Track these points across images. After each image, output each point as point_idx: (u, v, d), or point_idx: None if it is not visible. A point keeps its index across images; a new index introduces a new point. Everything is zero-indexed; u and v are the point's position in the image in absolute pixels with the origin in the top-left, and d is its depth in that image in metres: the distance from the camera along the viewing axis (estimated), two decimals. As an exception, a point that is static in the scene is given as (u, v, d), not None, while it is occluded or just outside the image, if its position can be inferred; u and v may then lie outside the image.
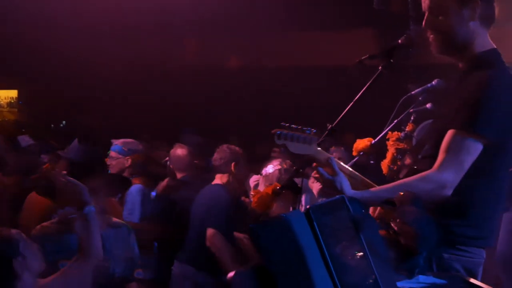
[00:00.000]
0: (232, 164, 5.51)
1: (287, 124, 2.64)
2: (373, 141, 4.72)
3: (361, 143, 4.73)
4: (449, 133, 2.60)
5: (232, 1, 10.37)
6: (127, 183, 5.14)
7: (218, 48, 11.67)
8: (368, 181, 2.80)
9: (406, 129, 4.92)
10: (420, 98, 4.82)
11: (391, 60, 2.94)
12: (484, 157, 2.60)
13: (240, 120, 11.29)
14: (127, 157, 5.73)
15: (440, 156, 2.60)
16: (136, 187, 5.67)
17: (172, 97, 11.79)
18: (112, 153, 5.71)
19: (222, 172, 5.53)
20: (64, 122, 11.60)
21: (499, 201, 2.76)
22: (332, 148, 6.96)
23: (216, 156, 5.57)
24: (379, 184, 2.78)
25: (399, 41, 2.94)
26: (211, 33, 11.55)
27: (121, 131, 7.91)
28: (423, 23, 2.80)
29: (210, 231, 5.26)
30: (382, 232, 2.32)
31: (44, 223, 4.04)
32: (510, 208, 5.37)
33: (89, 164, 4.34)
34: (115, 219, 4.33)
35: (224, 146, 5.59)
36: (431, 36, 2.79)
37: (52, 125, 12.40)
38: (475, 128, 2.55)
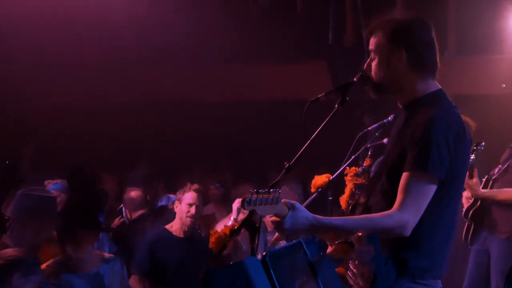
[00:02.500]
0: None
1: (255, 190, 2.65)
2: (331, 177, 4.74)
3: (319, 179, 4.74)
4: (405, 175, 2.68)
5: (191, 32, 10.43)
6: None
7: (183, 81, 11.67)
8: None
9: (364, 164, 4.97)
10: (376, 134, 4.89)
11: (347, 98, 2.97)
12: (435, 194, 2.70)
13: (201, 152, 11.26)
14: None
15: (399, 196, 2.68)
16: None
17: (128, 129, 11.68)
18: (54, 192, 5.55)
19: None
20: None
21: (449, 232, 2.84)
22: (284, 186, 6.94)
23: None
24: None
25: (354, 79, 2.98)
26: (173, 65, 11.55)
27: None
28: (365, 64, 2.96)
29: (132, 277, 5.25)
30: (340, 270, 2.31)
31: (48, 262, 4.17)
32: (476, 242, 5.46)
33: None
34: (107, 254, 4.46)
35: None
36: (369, 76, 2.95)
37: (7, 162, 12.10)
38: (428, 170, 2.64)
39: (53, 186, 5.63)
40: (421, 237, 2.71)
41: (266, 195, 2.59)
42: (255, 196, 2.57)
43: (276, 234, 5.46)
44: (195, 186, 5.53)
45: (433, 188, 2.66)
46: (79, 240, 4.14)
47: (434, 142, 2.64)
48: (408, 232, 2.64)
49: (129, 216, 6.76)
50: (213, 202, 7.81)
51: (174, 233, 5.47)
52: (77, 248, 4.14)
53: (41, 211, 4.58)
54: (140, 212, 6.66)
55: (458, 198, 2.88)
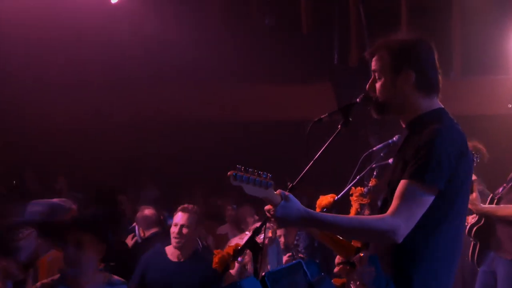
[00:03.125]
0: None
1: (242, 167, 2.67)
2: (336, 197, 4.73)
3: (324, 200, 4.71)
4: (402, 182, 2.68)
5: (190, 54, 10.47)
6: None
7: (186, 100, 11.71)
8: None
9: (369, 184, 4.95)
10: (381, 154, 4.88)
11: (350, 119, 2.98)
12: (433, 208, 2.67)
13: (205, 170, 11.26)
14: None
15: (394, 202, 2.66)
16: None
17: (130, 148, 11.71)
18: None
19: None
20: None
21: (451, 252, 2.80)
22: None
23: None
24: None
25: (357, 99, 2.98)
26: (176, 84, 11.60)
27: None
28: (367, 85, 2.96)
29: None
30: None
31: (44, 280, 4.20)
32: (484, 262, 5.42)
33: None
34: (115, 277, 4.40)
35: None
36: (371, 96, 2.96)
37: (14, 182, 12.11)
38: (425, 178, 2.63)
39: None
40: (418, 252, 2.68)
41: (255, 176, 2.61)
42: (242, 173, 2.59)
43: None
44: (184, 206, 5.40)
45: (429, 198, 2.64)
46: (84, 247, 4.12)
47: (436, 153, 2.64)
48: (399, 238, 2.60)
49: (142, 234, 6.77)
50: (229, 222, 7.81)
51: (168, 255, 5.35)
52: (80, 255, 4.12)
53: None
54: (153, 230, 6.67)
55: (459, 218, 2.82)
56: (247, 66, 10.55)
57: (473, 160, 5.10)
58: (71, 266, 4.14)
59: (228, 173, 2.62)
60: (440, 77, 2.93)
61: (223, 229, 7.74)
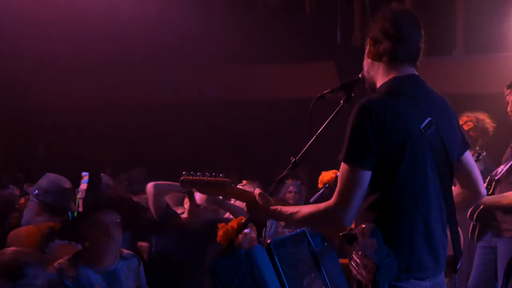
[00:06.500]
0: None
1: (192, 172, 2.78)
2: (338, 173, 4.77)
3: (327, 175, 4.76)
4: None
5: (191, 34, 10.48)
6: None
7: (189, 81, 11.72)
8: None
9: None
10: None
11: (352, 94, 3.01)
12: (377, 177, 2.59)
13: (209, 151, 11.30)
14: None
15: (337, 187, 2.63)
16: None
17: (135, 128, 11.75)
18: (83, 186, 5.66)
19: None
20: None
21: (414, 205, 2.64)
22: (289, 181, 7.05)
23: None
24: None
25: (360, 75, 3.00)
26: (179, 65, 11.61)
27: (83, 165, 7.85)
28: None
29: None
30: (343, 261, 2.32)
31: (60, 260, 4.21)
32: (483, 239, 5.45)
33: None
34: (125, 251, 4.48)
35: None
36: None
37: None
38: (348, 160, 2.57)
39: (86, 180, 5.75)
40: (385, 217, 2.57)
41: (207, 178, 2.73)
42: (192, 177, 2.71)
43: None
44: None
45: (361, 177, 2.55)
46: (100, 233, 4.19)
47: (351, 131, 2.58)
48: (343, 222, 2.52)
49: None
50: None
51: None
52: (97, 240, 4.19)
53: None
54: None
55: (411, 175, 2.63)
56: (251, 46, 10.55)
57: (476, 159, 5.11)
58: (90, 254, 4.23)
59: (180, 179, 2.74)
60: (397, 44, 2.78)
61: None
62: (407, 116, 2.62)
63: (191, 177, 2.76)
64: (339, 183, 2.59)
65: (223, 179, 2.78)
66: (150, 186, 5.33)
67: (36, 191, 4.92)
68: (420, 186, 2.64)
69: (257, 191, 2.79)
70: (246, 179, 7.39)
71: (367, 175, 2.56)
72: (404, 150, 2.59)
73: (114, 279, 4.26)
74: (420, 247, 2.61)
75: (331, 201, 2.58)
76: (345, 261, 2.28)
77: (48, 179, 4.98)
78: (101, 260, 4.24)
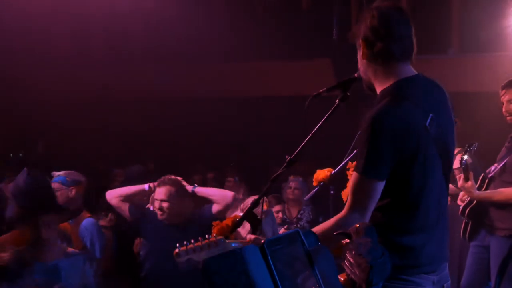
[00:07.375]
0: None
1: (185, 242, 2.85)
2: (333, 171, 4.79)
3: (322, 173, 4.79)
4: (353, 175, 2.73)
5: (190, 31, 10.47)
6: (77, 212, 5.21)
7: (187, 77, 11.72)
8: None
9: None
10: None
11: (348, 93, 3.01)
12: (389, 187, 2.69)
13: (206, 147, 11.31)
14: (71, 187, 5.63)
15: (349, 198, 2.72)
16: (89, 220, 5.56)
17: (134, 123, 11.74)
18: (55, 185, 5.58)
19: None
20: (21, 153, 11.43)
21: (416, 222, 2.76)
22: (291, 177, 7.09)
23: None
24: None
25: (356, 74, 3.01)
26: (176, 61, 11.60)
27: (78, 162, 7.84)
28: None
29: None
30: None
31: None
32: (475, 238, 5.47)
33: (40, 197, 4.35)
34: (70, 249, 4.41)
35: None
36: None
37: (11, 155, 12.19)
38: (365, 173, 2.66)
39: (56, 179, 5.66)
40: (389, 231, 2.70)
41: (200, 243, 2.80)
42: (185, 247, 2.78)
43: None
44: (162, 179, 5.23)
45: (375, 188, 2.66)
46: (42, 223, 4.11)
47: (368, 143, 2.63)
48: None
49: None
50: None
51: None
52: (39, 232, 4.12)
53: None
54: None
55: (420, 183, 2.74)
56: (247, 44, 10.56)
57: (468, 148, 5.14)
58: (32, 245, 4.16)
59: (174, 253, 2.82)
60: (395, 44, 2.78)
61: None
62: (414, 121, 2.69)
63: (185, 247, 2.82)
64: (353, 193, 2.70)
65: (217, 238, 2.86)
66: (107, 196, 5.32)
67: None
68: (429, 184, 2.75)
69: (251, 237, 2.85)
70: (240, 177, 7.41)
71: (382, 185, 2.68)
72: (418, 152, 2.68)
73: (54, 275, 4.18)
74: (428, 241, 2.76)
75: (347, 212, 2.70)
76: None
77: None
78: (41, 255, 4.17)
